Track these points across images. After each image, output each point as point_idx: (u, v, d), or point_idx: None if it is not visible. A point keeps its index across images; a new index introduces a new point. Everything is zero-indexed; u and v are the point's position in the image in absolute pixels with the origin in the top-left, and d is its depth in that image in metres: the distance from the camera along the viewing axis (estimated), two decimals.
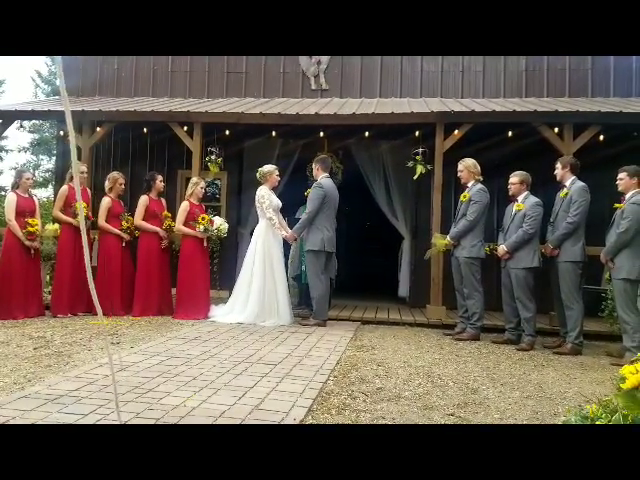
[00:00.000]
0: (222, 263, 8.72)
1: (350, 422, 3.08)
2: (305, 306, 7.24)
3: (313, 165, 6.58)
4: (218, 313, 6.57)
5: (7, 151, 24.17)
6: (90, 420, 2.81)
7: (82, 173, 6.77)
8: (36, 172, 24.68)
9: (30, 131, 23.49)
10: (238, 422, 2.87)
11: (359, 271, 11.65)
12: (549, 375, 4.52)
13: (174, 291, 6.91)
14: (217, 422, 2.86)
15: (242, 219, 9.01)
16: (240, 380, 3.73)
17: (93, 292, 2.06)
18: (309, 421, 3.03)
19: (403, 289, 8.58)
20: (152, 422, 2.82)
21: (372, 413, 3.26)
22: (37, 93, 24.22)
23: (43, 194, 22.24)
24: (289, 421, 2.94)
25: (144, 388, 3.43)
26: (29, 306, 6.42)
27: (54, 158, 24.46)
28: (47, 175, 23.93)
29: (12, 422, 2.73)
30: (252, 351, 4.72)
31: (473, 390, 3.90)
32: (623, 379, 2.29)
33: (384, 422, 3.13)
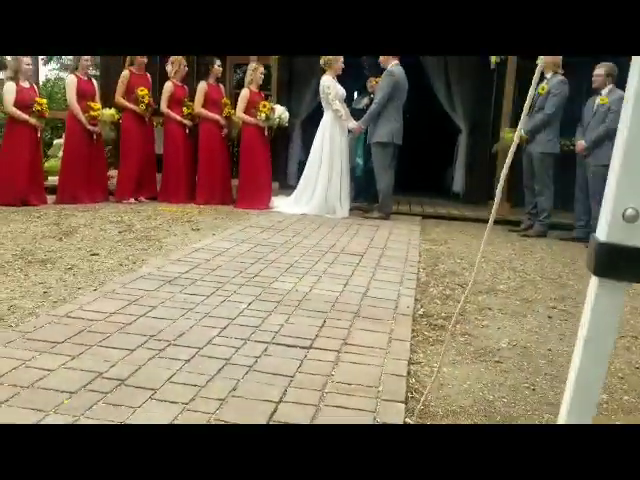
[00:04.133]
0: (273, 154, 8.62)
1: (458, 312, 3.15)
2: (363, 199, 7.22)
3: None
4: (282, 203, 6.59)
5: None
6: (215, 300, 2.91)
7: (142, 57, 6.54)
8: (63, 55, 24.01)
9: None
10: (355, 308, 2.96)
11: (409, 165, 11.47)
12: None
13: (234, 181, 6.92)
14: (335, 308, 2.95)
15: (292, 110, 8.76)
16: (335, 268, 3.79)
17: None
18: (420, 310, 3.11)
19: (457, 184, 8.46)
20: (273, 305, 2.91)
21: (476, 304, 3.33)
22: None
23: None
24: (402, 308, 3.02)
25: (249, 272, 3.51)
26: (94, 191, 6.48)
27: None
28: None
29: (143, 302, 2.84)
30: (331, 241, 4.77)
31: (563, 285, 3.95)
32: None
33: (491, 312, 3.20)
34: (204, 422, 1.75)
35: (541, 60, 1.38)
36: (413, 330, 2.74)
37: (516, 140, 1.47)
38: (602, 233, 0.85)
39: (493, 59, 6.61)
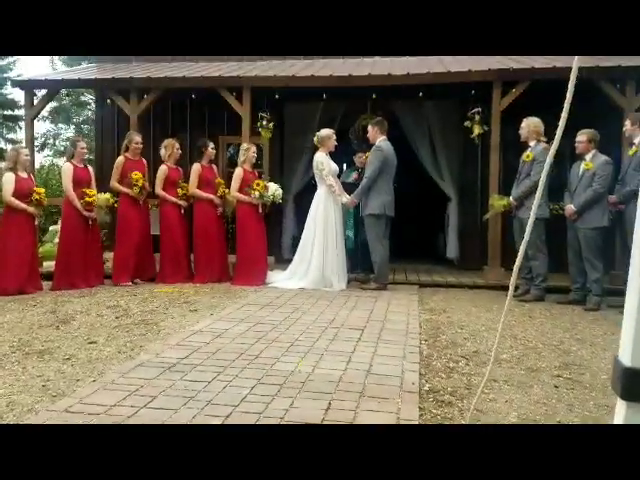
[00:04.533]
0: (267, 229, 8.72)
1: (464, 385, 3.11)
2: (360, 270, 7.25)
3: (370, 128, 6.46)
4: (278, 279, 6.60)
5: (24, 120, 24.06)
6: (217, 387, 2.85)
7: (137, 144, 6.74)
8: (56, 141, 24.63)
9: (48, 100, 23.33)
10: (360, 387, 2.91)
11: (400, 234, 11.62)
12: None
13: (231, 257, 6.95)
14: (339, 388, 2.90)
15: (285, 185, 8.96)
16: (337, 345, 3.76)
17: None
18: (425, 386, 3.06)
19: (451, 250, 8.54)
20: (277, 388, 2.86)
21: (481, 376, 3.28)
22: (54, 60, 23.96)
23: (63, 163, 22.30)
24: (408, 385, 2.97)
25: (250, 354, 3.47)
26: (90, 276, 6.48)
27: (73, 127, 24.46)
28: (66, 144, 23.94)
29: (143, 391, 2.78)
30: (331, 316, 4.75)
31: (566, 352, 3.91)
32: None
33: (497, 384, 3.15)
34: None
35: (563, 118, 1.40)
36: (420, 408, 2.69)
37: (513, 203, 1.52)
38: (626, 357, 0.84)
39: (476, 131, 6.84)
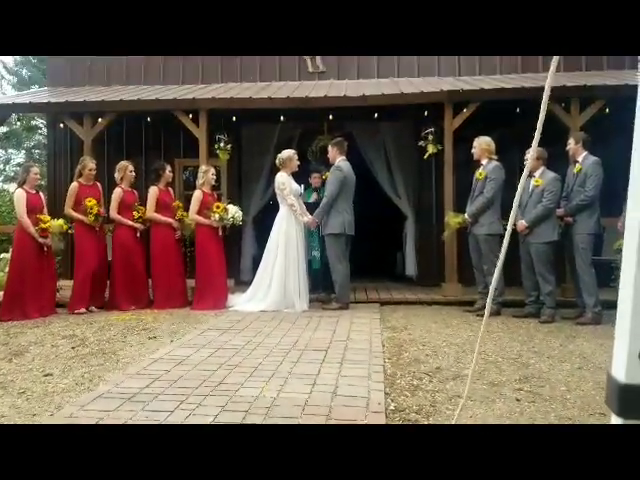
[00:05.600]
0: (226, 252, 8.65)
1: (429, 402, 3.14)
2: (322, 290, 7.26)
3: (330, 148, 6.54)
4: (238, 301, 6.54)
5: None
6: (179, 416, 2.80)
7: (91, 170, 6.61)
8: (6, 167, 23.91)
9: None
10: (326, 410, 2.90)
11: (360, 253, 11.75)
12: (584, 345, 4.67)
13: (189, 282, 6.86)
14: (305, 412, 2.88)
15: (243, 207, 8.93)
16: (301, 367, 3.74)
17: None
18: (391, 405, 3.08)
19: (410, 268, 8.66)
20: (242, 415, 2.82)
21: (445, 393, 3.33)
22: (3, 85, 23.37)
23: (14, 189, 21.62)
24: (374, 406, 2.98)
25: (213, 380, 3.42)
26: (43, 304, 6.28)
27: (23, 152, 23.76)
28: (17, 169, 23.23)
29: (105, 422, 2.70)
30: (294, 338, 4.73)
31: (525, 365, 4.01)
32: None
33: (460, 400, 3.20)
34: None
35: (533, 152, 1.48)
36: None
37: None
38: (620, 374, 0.85)
39: (430, 150, 7.02)
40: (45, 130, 15.62)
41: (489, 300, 1.59)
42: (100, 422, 2.72)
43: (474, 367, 1.74)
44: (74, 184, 6.54)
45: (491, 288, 1.59)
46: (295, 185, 6.52)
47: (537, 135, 1.40)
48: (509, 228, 1.69)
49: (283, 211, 6.43)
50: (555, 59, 1.34)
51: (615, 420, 0.87)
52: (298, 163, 6.65)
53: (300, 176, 9.30)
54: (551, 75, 1.34)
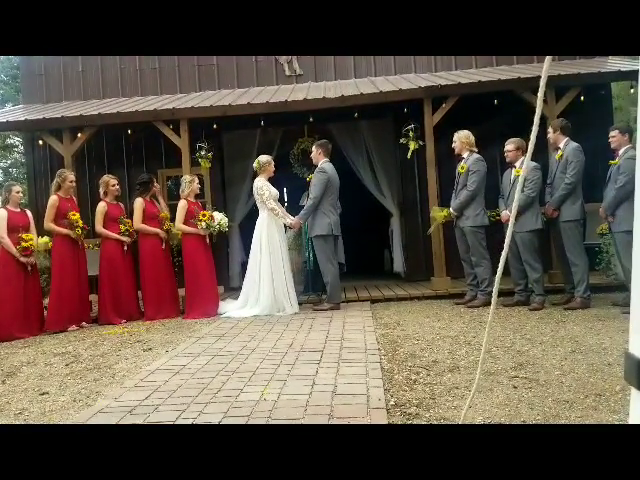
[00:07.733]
0: (214, 259, 8.63)
1: (428, 395, 3.18)
2: (312, 292, 7.29)
3: (314, 149, 6.55)
4: (230, 308, 6.53)
5: None
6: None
7: (71, 182, 6.55)
8: None
9: None
10: (327, 409, 2.92)
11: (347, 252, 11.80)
12: (574, 329, 4.74)
13: (180, 291, 6.84)
14: (307, 412, 2.90)
15: (228, 213, 8.93)
16: (299, 369, 3.75)
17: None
18: (391, 400, 3.10)
19: (398, 265, 8.72)
20: (244, 420, 2.83)
21: (443, 385, 3.36)
22: None
23: None
24: (374, 402, 3.01)
25: (212, 388, 3.41)
26: (32, 324, 6.20)
27: (0, 171, 23.42)
28: None
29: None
30: (289, 340, 4.74)
31: (519, 352, 4.06)
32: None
33: (459, 391, 3.24)
34: None
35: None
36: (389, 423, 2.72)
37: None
38: (638, 351, 0.88)
39: (412, 147, 7.08)
40: (22, 148, 15.45)
41: (495, 290, 1.63)
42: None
43: (482, 364, 1.76)
44: (54, 197, 6.42)
45: (497, 277, 1.62)
46: (274, 189, 6.50)
47: (535, 128, 1.43)
48: (512, 220, 1.73)
49: (263, 216, 6.41)
50: (548, 59, 1.37)
51: (635, 394, 0.90)
52: (274, 168, 6.62)
53: (285, 180, 9.32)
54: (545, 74, 1.38)
